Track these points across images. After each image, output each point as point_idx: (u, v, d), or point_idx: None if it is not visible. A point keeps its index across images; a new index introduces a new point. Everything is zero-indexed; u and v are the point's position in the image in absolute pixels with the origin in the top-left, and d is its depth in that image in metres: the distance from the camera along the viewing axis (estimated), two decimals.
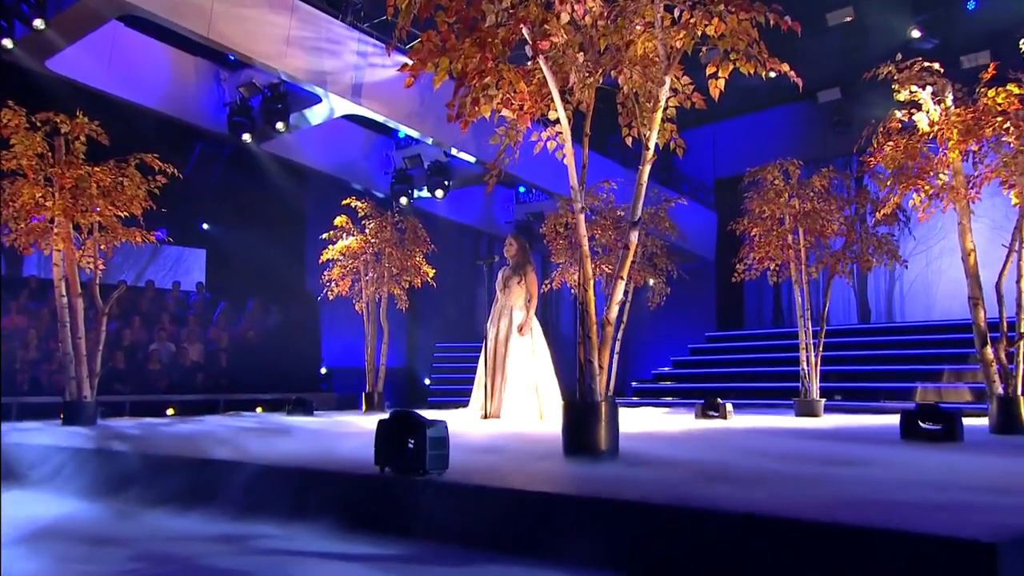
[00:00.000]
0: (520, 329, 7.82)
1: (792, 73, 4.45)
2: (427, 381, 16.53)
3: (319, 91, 11.38)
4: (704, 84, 4.57)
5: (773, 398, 11.07)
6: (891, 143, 6.63)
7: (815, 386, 8.51)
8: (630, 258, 4.64)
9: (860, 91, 12.66)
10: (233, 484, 4.07)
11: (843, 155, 14.47)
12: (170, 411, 10.72)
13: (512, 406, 7.58)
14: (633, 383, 12.55)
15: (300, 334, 14.89)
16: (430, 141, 12.69)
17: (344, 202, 10.46)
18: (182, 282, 15.85)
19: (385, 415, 3.92)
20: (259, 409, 11.50)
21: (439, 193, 13.57)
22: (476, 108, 4.41)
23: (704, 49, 4.45)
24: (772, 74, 4.51)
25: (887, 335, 11.92)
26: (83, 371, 7.55)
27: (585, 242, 4.65)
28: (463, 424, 6.96)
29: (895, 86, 6.53)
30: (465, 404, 8.35)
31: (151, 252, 16.22)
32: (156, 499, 4.27)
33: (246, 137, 11.94)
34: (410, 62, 4.45)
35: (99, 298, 7.90)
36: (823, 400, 8.56)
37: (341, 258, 10.44)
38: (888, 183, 6.82)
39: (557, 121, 4.74)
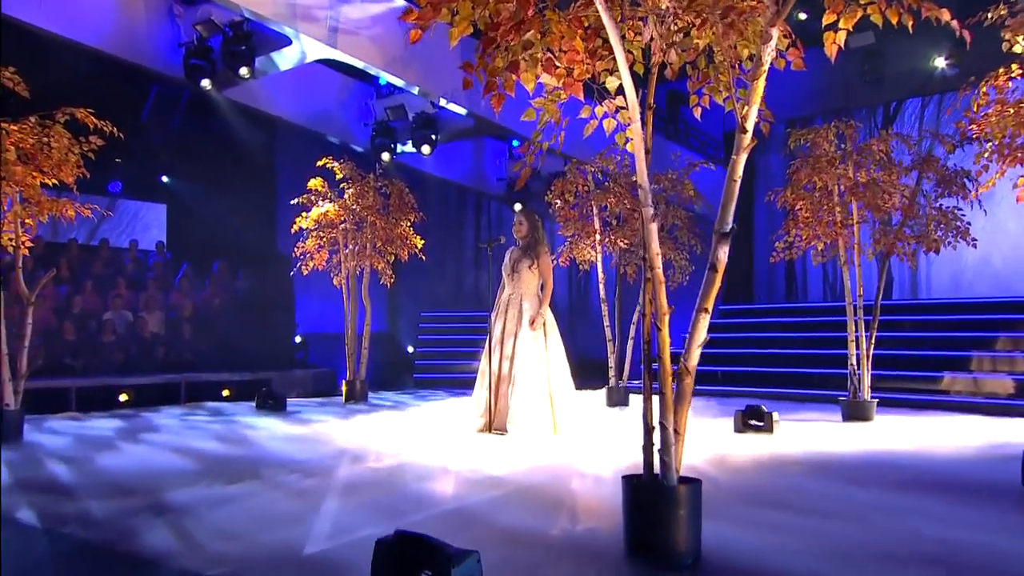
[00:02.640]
0: (532, 323, 6.60)
1: (956, 23, 3.21)
2: (410, 349, 15.31)
3: (288, 31, 9.85)
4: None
5: (796, 385, 9.99)
6: (995, 108, 5.39)
7: (866, 384, 7.39)
8: (716, 285, 3.39)
9: (897, 37, 11.32)
10: None
11: (867, 106, 13.21)
12: (123, 397, 9.44)
13: (521, 417, 6.40)
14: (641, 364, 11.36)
15: (271, 301, 13.54)
16: (416, 90, 11.21)
17: (320, 163, 9.08)
18: (140, 240, 14.38)
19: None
20: (226, 393, 10.28)
21: (426, 149, 12.14)
22: (513, 75, 3.09)
23: None
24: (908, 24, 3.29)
25: (916, 313, 10.85)
26: (4, 374, 6.23)
27: (658, 261, 3.39)
28: (460, 448, 5.78)
29: (1006, 34, 5.22)
30: (456, 392, 7.14)
31: (106, 206, 14.71)
32: None
33: (205, 83, 10.42)
34: (415, 8, 3.13)
35: (23, 285, 6.54)
36: (876, 401, 7.45)
37: (316, 227, 9.10)
38: (987, 155, 5.60)
39: (615, 91, 3.45)
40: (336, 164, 9.08)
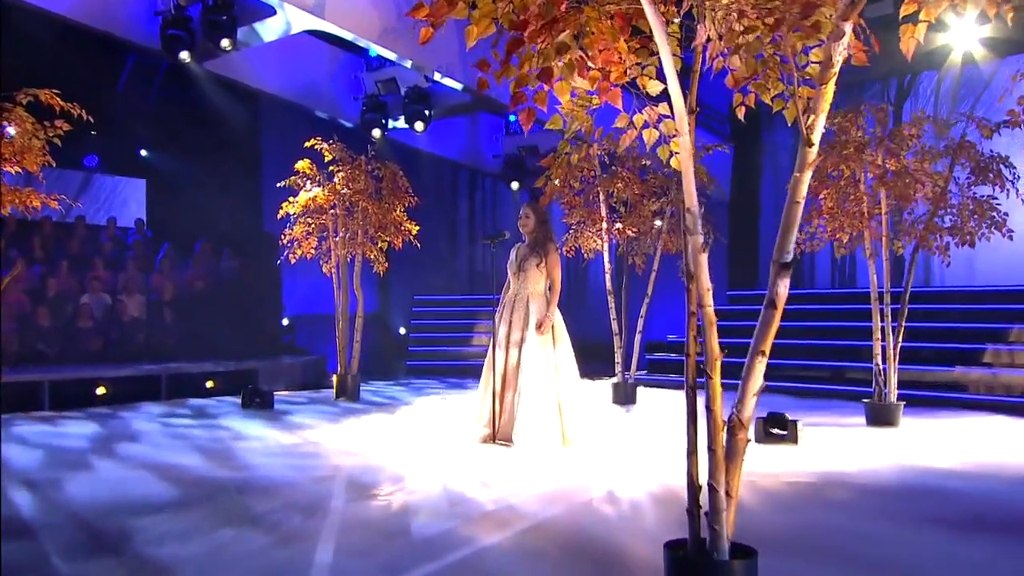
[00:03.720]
0: (539, 327, 6.12)
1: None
2: (402, 331, 14.83)
3: (273, 0, 9.19)
4: None
5: (808, 379, 9.58)
6: None
7: (893, 385, 6.96)
8: (775, 324, 2.91)
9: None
10: None
11: (880, 79, 12.63)
12: (101, 390, 8.91)
13: (528, 428, 5.94)
14: (646, 355, 10.94)
15: (257, 282, 12.98)
16: (408, 64, 10.58)
17: (307, 144, 8.50)
18: (119, 217, 13.76)
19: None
20: (210, 385, 9.76)
21: (419, 126, 11.54)
22: (546, 81, 2.57)
23: None
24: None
25: (931, 302, 10.39)
26: None
27: (709, 297, 2.91)
28: (463, 466, 5.32)
29: None
30: (450, 383, 6.67)
31: (81, 182, 14.07)
32: None
33: (184, 56, 9.76)
34: (425, 2, 2.62)
35: None
36: (902, 404, 7.03)
37: (304, 213, 8.54)
38: None
39: (660, 97, 2.94)
40: (325, 145, 8.49)
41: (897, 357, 7.00)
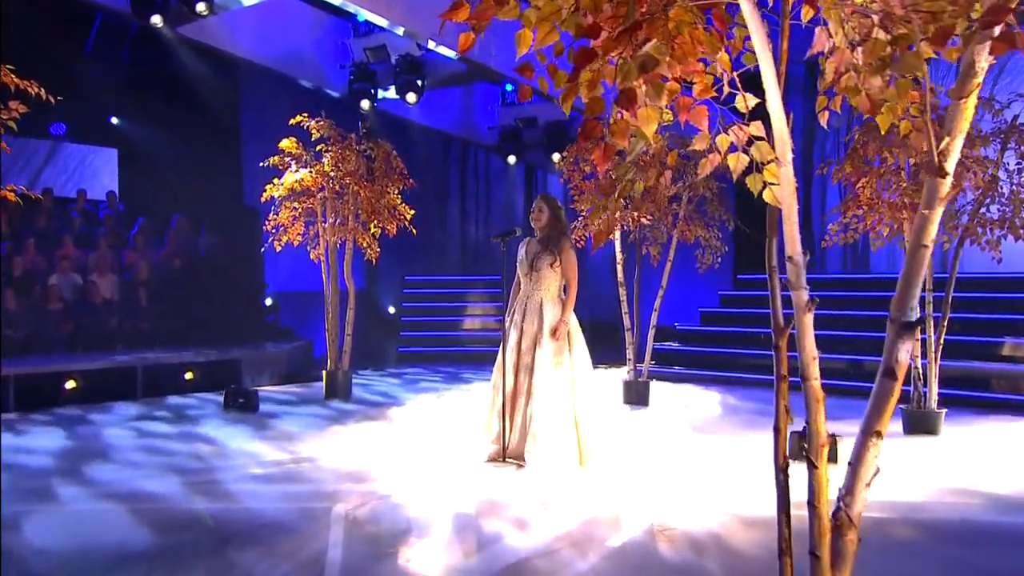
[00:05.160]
0: (554, 333, 5.54)
1: None
2: (391, 310, 14.21)
3: None
4: None
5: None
6: None
7: (934, 392, 6.47)
8: (894, 397, 2.35)
9: None
10: None
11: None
12: (71, 384, 8.27)
13: (542, 446, 5.40)
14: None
15: (238, 259, 12.31)
16: (400, 31, 9.81)
17: (293, 121, 7.80)
18: (89, 190, 12.97)
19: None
20: (189, 376, 9.15)
21: (411, 98, 10.79)
22: (627, 107, 1.96)
23: None
24: None
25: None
26: None
27: (814, 368, 2.35)
28: (471, 495, 4.75)
29: None
30: (443, 373, 6.11)
31: (48, 151, 13.23)
32: None
33: (156, 20, 8.96)
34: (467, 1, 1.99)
35: None
36: (943, 412, 6.54)
37: (290, 196, 7.87)
38: None
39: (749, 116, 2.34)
40: (312, 122, 7.78)
41: (938, 362, 6.50)
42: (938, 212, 2.32)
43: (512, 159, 13.04)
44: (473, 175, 15.06)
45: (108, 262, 11.48)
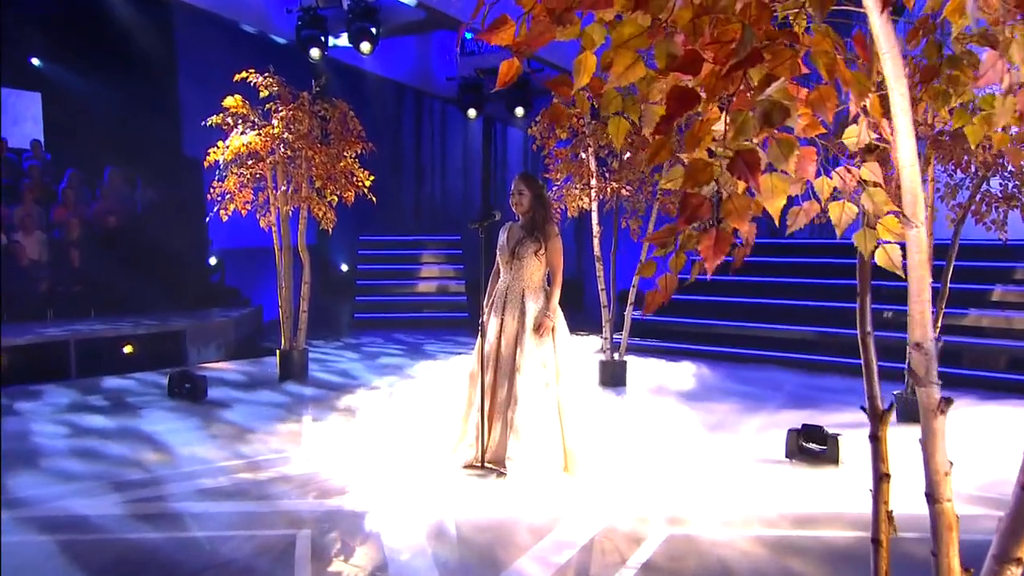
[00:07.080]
0: (538, 329, 5.05)
1: None
2: (344, 267, 13.55)
3: None
4: None
5: (799, 348, 8.79)
6: None
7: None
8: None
9: None
10: None
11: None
12: None
13: (524, 451, 4.95)
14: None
15: (179, 215, 11.46)
16: None
17: (237, 76, 7.03)
18: (10, 138, 11.88)
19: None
20: (128, 350, 8.47)
21: (365, 47, 9.96)
22: (746, 178, 1.44)
23: None
24: None
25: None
26: None
27: (948, 487, 1.90)
28: (447, 513, 4.29)
29: None
30: (399, 341, 5.60)
31: None
32: None
33: None
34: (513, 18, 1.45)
35: None
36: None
37: (236, 160, 7.15)
38: None
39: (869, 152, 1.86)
40: (260, 78, 7.03)
41: (938, 331, 6.19)
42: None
43: (472, 112, 12.27)
44: (428, 128, 14.27)
45: (34, 219, 10.57)
